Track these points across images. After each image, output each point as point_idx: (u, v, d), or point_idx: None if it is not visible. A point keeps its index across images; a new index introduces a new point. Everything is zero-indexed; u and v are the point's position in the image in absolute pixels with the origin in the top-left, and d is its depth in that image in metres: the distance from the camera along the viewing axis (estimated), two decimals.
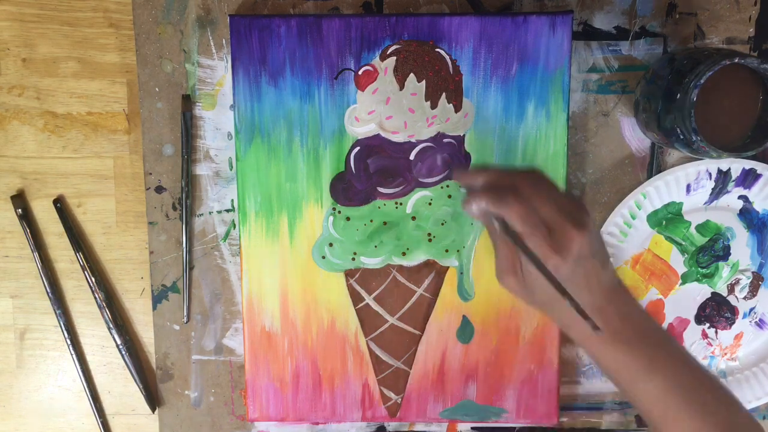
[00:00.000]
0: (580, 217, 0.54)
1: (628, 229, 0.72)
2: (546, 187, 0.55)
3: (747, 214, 0.72)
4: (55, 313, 0.75)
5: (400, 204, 0.71)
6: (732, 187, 0.71)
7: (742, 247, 0.73)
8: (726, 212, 0.72)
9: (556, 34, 0.67)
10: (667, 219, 0.72)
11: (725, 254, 0.73)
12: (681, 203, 0.72)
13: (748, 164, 0.70)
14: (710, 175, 0.71)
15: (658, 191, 0.71)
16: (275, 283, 0.72)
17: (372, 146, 0.70)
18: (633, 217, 0.72)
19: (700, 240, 0.73)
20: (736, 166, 0.70)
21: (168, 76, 0.71)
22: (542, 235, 0.53)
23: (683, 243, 0.73)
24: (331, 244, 0.72)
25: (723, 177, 0.71)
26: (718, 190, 0.71)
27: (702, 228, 0.73)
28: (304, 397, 0.74)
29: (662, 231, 0.73)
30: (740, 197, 0.72)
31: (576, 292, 0.54)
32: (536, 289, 0.56)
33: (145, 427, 0.78)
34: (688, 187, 0.71)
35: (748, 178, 0.71)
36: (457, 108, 0.69)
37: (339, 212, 0.71)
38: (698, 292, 0.74)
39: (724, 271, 0.74)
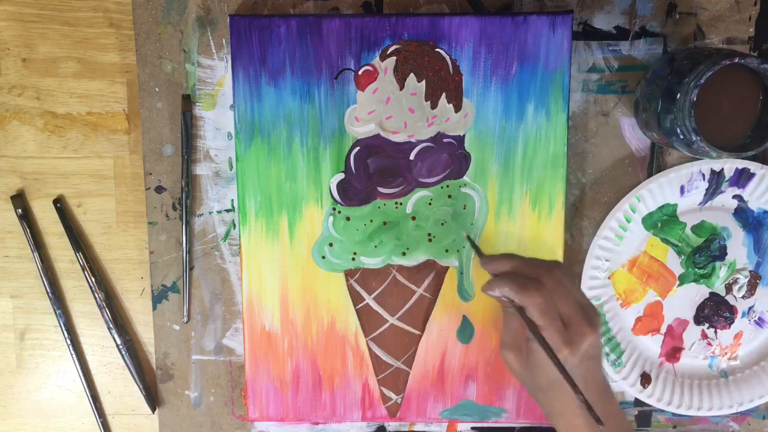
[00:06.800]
0: (593, 316, 0.59)
1: (623, 233, 0.72)
2: (567, 283, 0.59)
3: (742, 213, 0.73)
4: (55, 313, 0.75)
5: (400, 204, 0.71)
6: (726, 187, 0.71)
7: (739, 246, 0.73)
8: (721, 212, 0.73)
9: (556, 34, 0.68)
10: (662, 221, 0.72)
11: (722, 254, 0.73)
12: (675, 205, 0.72)
13: (741, 164, 0.70)
14: (703, 175, 0.71)
15: (652, 194, 0.71)
16: (275, 283, 0.72)
17: (372, 146, 0.70)
18: (628, 221, 0.72)
19: (696, 241, 0.73)
20: (729, 165, 0.70)
21: (168, 76, 0.71)
22: (557, 328, 0.57)
23: (679, 244, 0.73)
24: (331, 244, 0.72)
25: (716, 177, 0.71)
26: (712, 191, 0.71)
27: (697, 229, 0.73)
28: (304, 397, 0.74)
29: (658, 233, 0.73)
30: (734, 197, 0.72)
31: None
32: (537, 372, 0.59)
33: (145, 427, 0.78)
34: (682, 188, 0.71)
35: (742, 177, 0.71)
36: (457, 108, 0.69)
37: (339, 212, 0.71)
38: (696, 293, 0.74)
39: (722, 270, 0.74)
